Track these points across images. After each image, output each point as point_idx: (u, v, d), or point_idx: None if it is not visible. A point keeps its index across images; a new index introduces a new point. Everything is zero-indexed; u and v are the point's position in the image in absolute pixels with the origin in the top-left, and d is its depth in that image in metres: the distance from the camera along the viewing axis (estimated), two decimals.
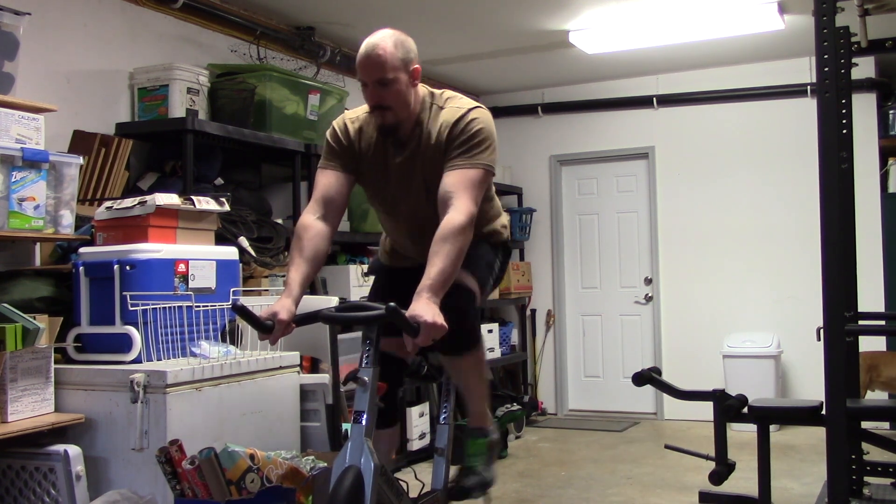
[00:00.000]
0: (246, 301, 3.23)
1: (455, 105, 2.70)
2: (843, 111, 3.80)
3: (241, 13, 4.78)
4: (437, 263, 2.43)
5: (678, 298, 6.72)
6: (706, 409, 3.67)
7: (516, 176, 7.17)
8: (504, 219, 3.05)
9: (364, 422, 2.28)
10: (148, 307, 3.02)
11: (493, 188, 2.98)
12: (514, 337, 6.91)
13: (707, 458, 3.58)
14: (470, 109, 2.68)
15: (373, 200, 2.94)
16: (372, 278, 3.34)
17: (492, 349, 6.20)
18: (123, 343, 3.03)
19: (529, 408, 6.52)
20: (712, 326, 6.50)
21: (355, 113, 2.85)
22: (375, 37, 2.64)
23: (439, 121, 2.68)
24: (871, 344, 5.25)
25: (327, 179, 2.75)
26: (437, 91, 2.79)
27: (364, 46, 2.63)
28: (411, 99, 2.68)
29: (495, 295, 6.18)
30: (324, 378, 3.68)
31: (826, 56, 2.87)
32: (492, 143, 2.66)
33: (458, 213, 2.50)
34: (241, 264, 3.57)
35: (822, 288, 2.87)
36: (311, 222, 2.68)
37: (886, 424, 5.48)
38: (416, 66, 2.68)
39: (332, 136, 2.81)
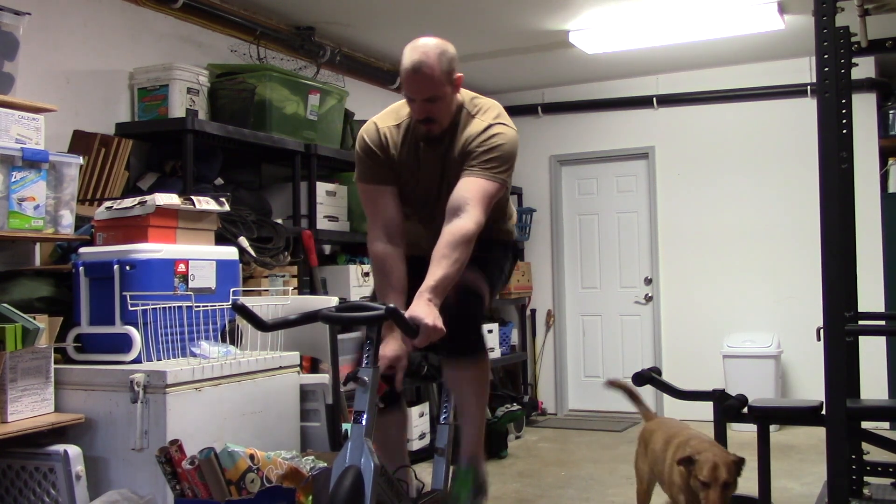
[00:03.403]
0: (246, 301, 3.23)
1: (483, 117, 2.70)
2: (843, 111, 3.80)
3: (241, 13, 4.78)
4: (443, 268, 2.43)
5: (678, 298, 6.72)
6: (706, 409, 3.67)
7: (516, 176, 6.99)
8: (514, 219, 3.09)
9: (364, 422, 2.29)
10: (148, 307, 3.02)
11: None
12: (514, 337, 6.91)
13: None
14: (496, 124, 2.68)
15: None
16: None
17: (492, 349, 6.20)
18: (123, 343, 3.03)
19: (529, 408, 6.51)
20: (712, 326, 6.50)
21: (386, 119, 2.80)
22: (420, 50, 2.58)
23: (468, 130, 2.68)
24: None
25: (381, 199, 2.73)
26: (471, 96, 2.76)
27: (410, 61, 2.57)
28: (453, 107, 2.68)
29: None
30: (324, 378, 3.68)
31: (826, 56, 2.87)
32: (510, 162, 2.67)
33: (469, 221, 2.51)
34: (240, 264, 3.57)
35: (822, 288, 2.87)
36: (386, 251, 2.68)
37: (886, 424, 5.48)
38: (459, 74, 2.66)
39: (366, 150, 2.75)
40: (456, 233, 2.49)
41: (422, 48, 2.58)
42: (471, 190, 2.57)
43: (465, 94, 2.75)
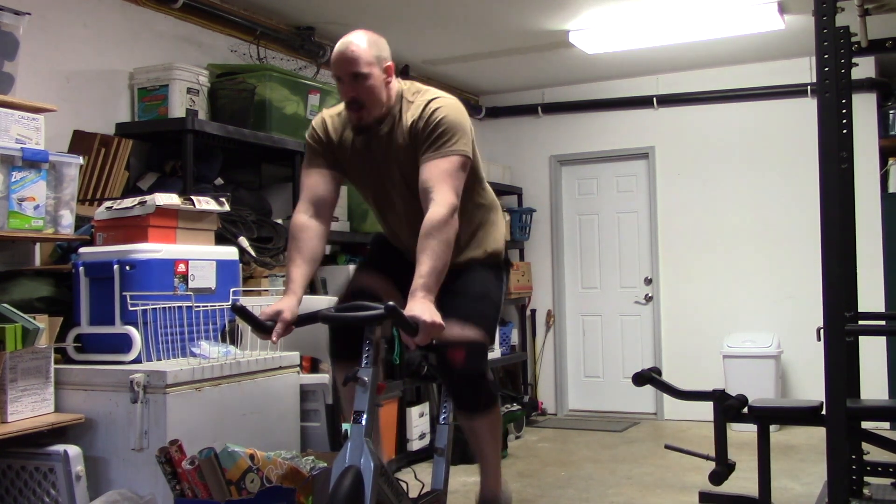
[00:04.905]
0: (246, 301, 3.23)
1: (420, 99, 2.71)
2: (843, 111, 3.80)
3: (241, 13, 4.78)
4: (427, 261, 2.43)
5: (678, 298, 6.72)
6: (706, 409, 3.67)
7: (516, 176, 7.16)
8: (502, 227, 3.01)
9: (364, 422, 2.29)
10: (148, 307, 3.03)
11: (490, 192, 2.96)
12: (514, 337, 6.90)
13: (707, 458, 3.57)
14: (431, 101, 2.68)
15: (363, 197, 2.97)
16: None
17: (492, 349, 6.20)
18: (123, 343, 3.04)
19: (529, 408, 6.51)
20: (712, 326, 6.50)
21: (333, 110, 2.86)
22: (349, 36, 2.67)
23: (408, 116, 2.69)
24: None
25: (314, 179, 2.78)
26: (408, 84, 2.79)
27: (338, 44, 2.67)
28: (384, 96, 2.69)
29: None
30: (324, 378, 3.68)
31: (826, 56, 2.86)
32: (459, 131, 2.63)
33: (438, 206, 2.50)
34: (241, 264, 3.57)
35: (822, 288, 2.86)
36: (305, 222, 2.70)
37: (886, 424, 5.48)
38: (389, 63, 2.70)
39: (311, 136, 2.83)
40: (428, 221, 2.48)
41: (351, 34, 2.68)
42: (429, 176, 2.56)
43: (405, 84, 2.78)
